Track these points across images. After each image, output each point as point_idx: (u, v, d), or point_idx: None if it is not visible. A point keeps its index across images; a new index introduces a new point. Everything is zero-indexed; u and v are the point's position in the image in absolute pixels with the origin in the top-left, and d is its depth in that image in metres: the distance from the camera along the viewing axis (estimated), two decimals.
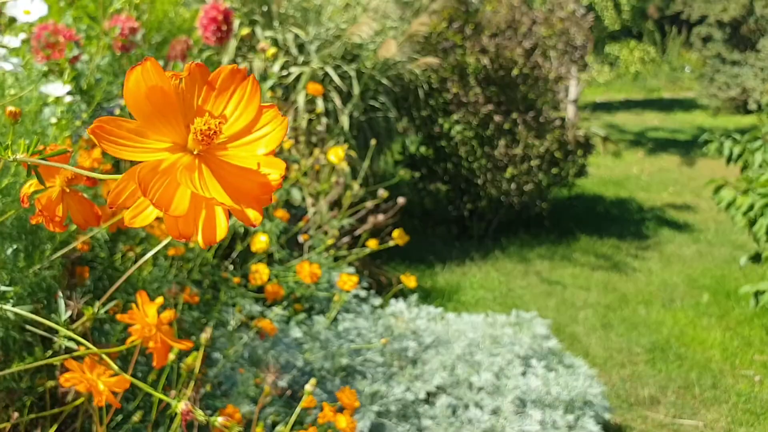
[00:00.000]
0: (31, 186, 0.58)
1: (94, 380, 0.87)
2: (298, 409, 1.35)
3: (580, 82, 8.25)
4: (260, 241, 2.30)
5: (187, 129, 0.48)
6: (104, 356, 0.78)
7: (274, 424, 1.89)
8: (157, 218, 0.48)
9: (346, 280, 1.98)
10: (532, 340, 2.58)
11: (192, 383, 1.23)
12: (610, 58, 13.06)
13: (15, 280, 1.27)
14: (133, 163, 0.47)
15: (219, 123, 0.47)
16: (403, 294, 3.29)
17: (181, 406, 0.72)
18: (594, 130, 8.17)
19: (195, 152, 0.48)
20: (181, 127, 0.48)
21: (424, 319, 2.53)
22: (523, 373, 2.40)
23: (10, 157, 0.48)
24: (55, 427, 1.15)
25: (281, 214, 2.42)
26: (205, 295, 2.33)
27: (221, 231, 0.48)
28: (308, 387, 1.25)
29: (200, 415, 0.71)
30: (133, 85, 0.46)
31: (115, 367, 0.83)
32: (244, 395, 1.89)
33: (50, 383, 1.23)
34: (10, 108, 0.70)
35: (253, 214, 0.48)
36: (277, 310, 2.38)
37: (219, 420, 0.78)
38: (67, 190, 0.59)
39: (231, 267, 2.45)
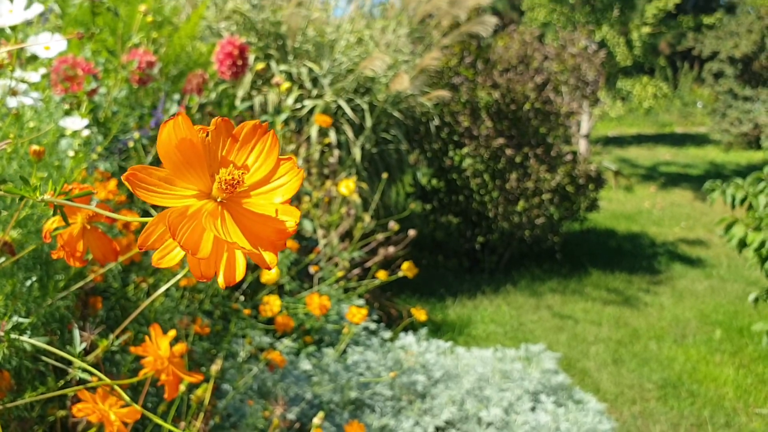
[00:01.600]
0: (53, 222, 0.60)
1: (106, 411, 0.88)
2: None
3: (591, 116, 8.28)
4: (270, 273, 2.31)
5: (212, 178, 0.52)
6: (116, 387, 0.79)
7: None
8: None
9: (355, 312, 1.99)
10: (542, 374, 2.57)
11: (201, 415, 1.24)
12: (622, 93, 13.12)
13: (30, 311, 1.28)
14: (157, 210, 0.48)
15: (242, 174, 0.52)
16: (413, 327, 3.29)
17: None
18: (606, 164, 8.19)
19: (218, 200, 0.52)
20: (207, 176, 0.52)
21: (433, 353, 2.53)
22: (533, 409, 2.39)
23: (38, 197, 0.50)
24: None
25: (291, 245, 2.44)
26: (216, 326, 2.34)
27: (240, 272, 0.51)
28: (316, 420, 1.25)
29: None
30: (165, 137, 0.50)
31: (127, 398, 0.84)
32: (253, 427, 1.89)
33: (61, 413, 1.24)
34: (35, 147, 0.72)
35: (270, 257, 0.51)
36: (287, 342, 2.39)
37: None
38: (88, 227, 0.61)
39: (242, 298, 2.46)
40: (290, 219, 0.53)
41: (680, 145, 12.62)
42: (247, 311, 2.29)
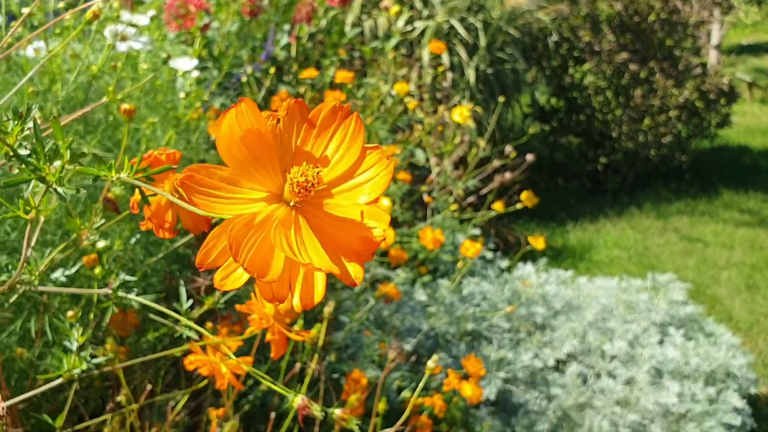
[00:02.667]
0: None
1: (217, 363, 0.87)
2: (425, 377, 1.31)
3: (723, 24, 7.65)
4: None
5: (284, 175, 0.45)
6: (222, 346, 0.78)
7: (400, 389, 1.89)
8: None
9: (469, 246, 1.93)
10: (669, 305, 2.44)
11: (316, 356, 1.23)
12: None
13: (136, 270, 1.31)
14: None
15: (318, 173, 0.44)
16: (533, 257, 3.20)
17: (297, 401, 0.70)
18: (739, 75, 7.60)
19: (291, 203, 0.45)
20: (278, 172, 0.45)
21: (553, 284, 2.45)
22: (660, 342, 2.28)
23: (114, 176, 0.46)
24: (186, 397, 1.19)
25: (404, 175, 2.39)
26: None
27: (319, 294, 0.44)
28: (430, 363, 1.22)
29: (317, 410, 0.70)
30: (226, 129, 0.43)
31: (233, 358, 0.83)
32: (370, 360, 1.89)
33: (178, 350, 1.27)
34: (125, 106, 0.70)
35: (355, 270, 0.44)
36: (402, 273, 2.37)
37: (336, 413, 0.77)
38: (177, 196, 0.58)
39: None
40: (378, 225, 0.44)
41: None
42: None
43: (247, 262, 0.41)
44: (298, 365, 1.29)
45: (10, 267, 0.74)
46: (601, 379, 2.11)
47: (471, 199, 3.30)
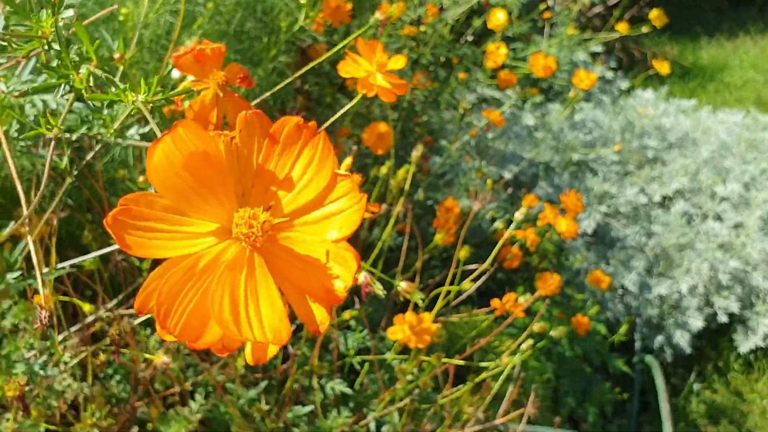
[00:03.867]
0: (184, 87, 0.55)
1: (373, 71, 0.77)
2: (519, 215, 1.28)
3: None
4: (498, 18, 2.16)
5: (241, 200, 0.37)
6: None
7: (493, 220, 1.89)
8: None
9: (583, 77, 1.82)
10: None
11: (402, 198, 1.24)
12: None
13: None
14: None
15: (270, 215, 0.36)
16: (660, 80, 3.01)
17: (360, 278, 0.71)
18: None
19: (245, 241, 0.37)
20: (232, 200, 0.37)
21: (671, 116, 2.30)
22: None
23: (130, 100, 0.44)
24: None
25: None
26: (439, 73, 2.28)
27: (272, 351, 0.37)
28: (519, 216, 1.20)
29: (379, 290, 0.70)
30: (161, 159, 0.35)
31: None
32: (465, 188, 1.89)
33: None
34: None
35: (320, 315, 0.37)
36: (511, 94, 2.29)
37: (401, 285, 0.77)
38: (221, 94, 0.55)
39: (466, 42, 2.35)
40: (344, 273, 0.36)
41: None
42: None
43: (178, 328, 0.34)
44: (384, 206, 1.30)
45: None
46: (707, 221, 2.04)
47: (597, 9, 3.08)
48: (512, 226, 1.25)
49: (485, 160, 2.08)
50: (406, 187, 1.22)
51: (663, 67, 2.47)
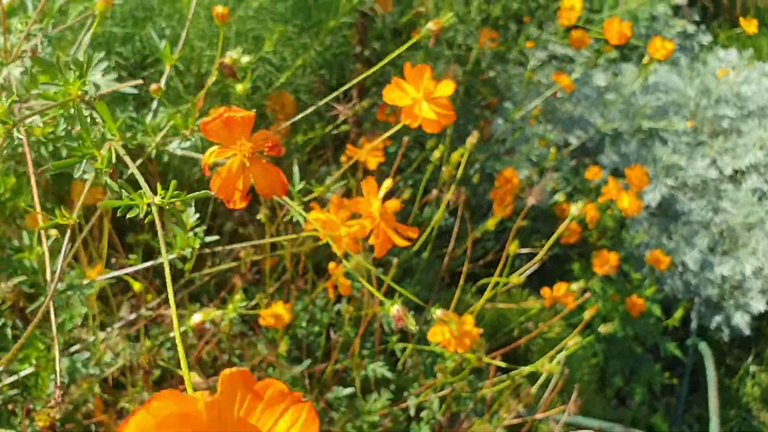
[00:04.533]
0: (211, 155, 0.54)
1: (419, 99, 0.77)
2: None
3: None
4: None
5: None
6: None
7: (554, 192, 1.85)
8: None
9: (659, 47, 1.72)
10: None
11: (453, 186, 1.21)
12: None
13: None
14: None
15: None
16: (741, 43, 2.84)
17: (393, 310, 0.70)
18: None
19: None
20: None
21: (753, 83, 2.17)
22: None
23: (144, 203, 0.43)
24: None
25: None
26: (509, 28, 2.21)
27: None
28: (574, 211, 1.17)
29: (411, 325, 0.69)
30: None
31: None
32: (526, 157, 1.84)
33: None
34: (219, 9, 0.63)
35: None
36: (584, 52, 2.20)
37: (437, 313, 0.76)
38: (247, 164, 0.53)
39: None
40: None
41: None
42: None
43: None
44: (435, 191, 1.28)
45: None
46: None
47: None
48: (568, 219, 1.22)
49: (551, 123, 2.01)
50: (459, 174, 1.19)
51: (750, 26, 2.32)
